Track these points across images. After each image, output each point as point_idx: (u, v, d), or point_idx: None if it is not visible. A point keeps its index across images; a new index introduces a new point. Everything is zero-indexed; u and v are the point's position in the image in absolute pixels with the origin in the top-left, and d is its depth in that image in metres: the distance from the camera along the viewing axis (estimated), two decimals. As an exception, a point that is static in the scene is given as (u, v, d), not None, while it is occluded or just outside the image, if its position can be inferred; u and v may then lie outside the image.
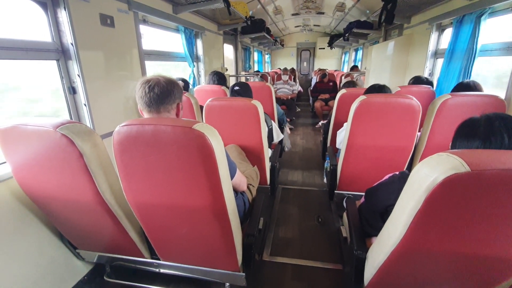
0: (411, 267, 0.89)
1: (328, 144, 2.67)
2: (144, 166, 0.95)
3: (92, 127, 1.71)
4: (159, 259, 1.34)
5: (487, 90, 1.98)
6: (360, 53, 7.11)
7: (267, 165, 2.03)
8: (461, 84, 1.94)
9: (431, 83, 2.43)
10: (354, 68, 6.27)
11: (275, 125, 2.32)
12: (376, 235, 1.01)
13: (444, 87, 2.56)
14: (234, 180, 1.19)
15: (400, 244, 0.80)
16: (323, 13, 6.14)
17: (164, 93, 1.04)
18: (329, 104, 5.11)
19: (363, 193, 1.30)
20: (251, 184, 1.59)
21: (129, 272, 1.56)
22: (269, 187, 2.15)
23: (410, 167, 1.85)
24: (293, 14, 6.40)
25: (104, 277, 1.53)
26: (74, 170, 1.01)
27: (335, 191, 2.08)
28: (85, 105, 1.67)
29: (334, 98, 2.86)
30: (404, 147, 1.71)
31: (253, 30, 5.15)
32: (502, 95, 1.79)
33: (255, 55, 7.80)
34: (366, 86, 2.62)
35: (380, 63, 4.08)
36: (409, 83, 2.60)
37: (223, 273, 1.28)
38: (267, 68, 9.80)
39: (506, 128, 0.77)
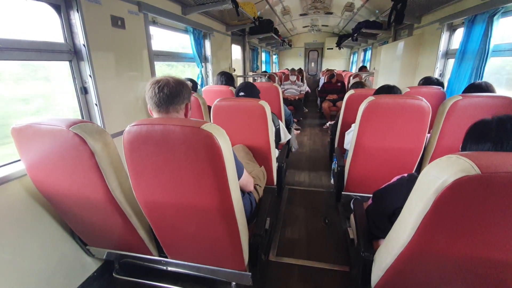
0: (419, 270, 0.88)
1: (336, 145, 2.65)
2: (153, 165, 0.97)
3: (103, 127, 1.75)
4: (166, 257, 1.36)
5: (502, 91, 1.94)
6: (369, 53, 7.04)
7: (274, 165, 2.03)
8: (473, 85, 1.90)
9: (441, 84, 2.39)
10: (362, 68, 6.22)
11: (282, 125, 2.32)
12: (383, 237, 1.00)
13: (455, 88, 2.51)
14: (241, 180, 1.20)
15: (408, 247, 0.79)
16: (331, 13, 6.10)
17: (173, 94, 1.06)
18: (337, 105, 5.07)
19: (371, 195, 1.29)
20: (258, 185, 1.60)
21: (137, 269, 1.58)
22: (276, 187, 2.15)
23: (419, 169, 1.82)
24: (301, 15, 6.38)
25: (113, 274, 1.56)
26: (86, 168, 1.03)
27: (342, 193, 2.07)
28: (96, 105, 1.71)
29: (342, 98, 2.84)
30: (413, 149, 1.69)
31: (261, 31, 5.16)
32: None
33: (263, 55, 7.81)
34: (375, 87, 2.60)
35: (389, 63, 4.04)
36: (419, 84, 2.56)
37: (229, 272, 1.29)
38: (275, 69, 9.79)
39: None
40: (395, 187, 1.12)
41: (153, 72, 2.30)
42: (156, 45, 2.45)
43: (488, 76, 2.30)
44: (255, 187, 1.52)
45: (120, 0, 1.87)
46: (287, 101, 5.26)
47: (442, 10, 2.91)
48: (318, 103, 6.22)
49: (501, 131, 0.78)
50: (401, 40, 3.78)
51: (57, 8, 1.53)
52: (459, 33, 2.77)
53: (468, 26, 2.37)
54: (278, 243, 1.90)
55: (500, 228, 0.68)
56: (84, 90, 1.69)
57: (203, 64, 3.42)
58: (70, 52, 1.60)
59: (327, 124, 5.06)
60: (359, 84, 2.94)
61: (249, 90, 2.08)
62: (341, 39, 8.01)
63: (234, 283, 1.39)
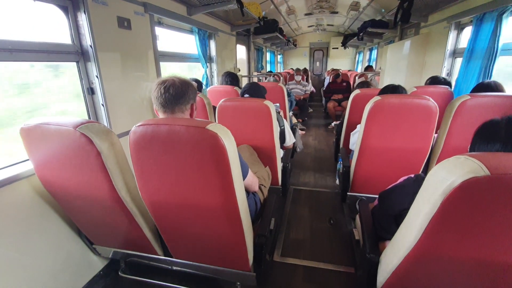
0: (426, 273, 0.87)
1: (341, 145, 2.63)
2: (159, 165, 0.98)
3: (109, 127, 1.76)
4: (172, 257, 1.37)
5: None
6: (374, 52, 6.98)
7: (279, 165, 2.02)
8: (481, 84, 1.86)
9: (449, 84, 2.36)
10: (368, 68, 6.16)
11: (287, 127, 2.31)
12: (389, 238, 0.99)
13: (463, 88, 2.47)
14: (246, 180, 1.20)
15: (415, 249, 0.78)
16: (336, 12, 6.06)
17: (178, 94, 1.06)
18: (342, 105, 5.04)
19: (377, 196, 1.28)
20: (262, 185, 1.60)
21: (142, 268, 1.59)
22: (281, 188, 2.15)
23: (425, 170, 1.80)
24: (306, 14, 6.36)
25: (119, 273, 1.57)
26: (92, 168, 1.04)
27: (348, 193, 2.05)
28: (102, 105, 1.73)
29: (347, 98, 2.82)
30: (419, 149, 1.67)
31: (266, 31, 5.16)
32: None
33: (268, 55, 7.80)
34: (381, 86, 2.57)
35: (395, 63, 3.99)
36: (426, 84, 2.53)
37: (234, 272, 1.29)
38: (280, 69, 9.78)
39: None
40: (402, 187, 1.11)
41: (158, 73, 2.31)
42: (165, 46, 2.46)
43: (497, 75, 2.26)
44: (260, 187, 1.52)
45: (126, 1, 1.89)
46: (292, 101, 5.24)
47: (450, 8, 2.87)
48: (323, 103, 6.20)
49: (511, 131, 0.76)
50: (407, 39, 3.74)
51: (64, 9, 1.55)
52: (467, 31, 2.73)
53: (476, 24, 2.33)
54: (282, 243, 1.89)
55: (510, 231, 0.66)
56: (91, 91, 1.71)
57: (208, 64, 3.43)
58: (77, 53, 1.61)
59: (332, 124, 5.03)
60: (365, 84, 2.92)
61: (254, 92, 2.06)
62: (347, 38, 7.95)
63: (238, 283, 1.39)
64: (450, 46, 2.89)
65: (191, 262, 1.35)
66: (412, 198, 0.80)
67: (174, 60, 2.90)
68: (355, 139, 1.91)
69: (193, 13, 2.81)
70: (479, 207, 0.64)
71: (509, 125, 0.78)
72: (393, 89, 1.87)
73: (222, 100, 1.83)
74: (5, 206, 1.20)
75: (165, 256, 1.40)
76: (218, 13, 3.40)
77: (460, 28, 2.83)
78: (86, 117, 1.75)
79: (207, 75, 3.42)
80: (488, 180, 0.60)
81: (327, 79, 6.91)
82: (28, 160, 1.28)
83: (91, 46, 1.61)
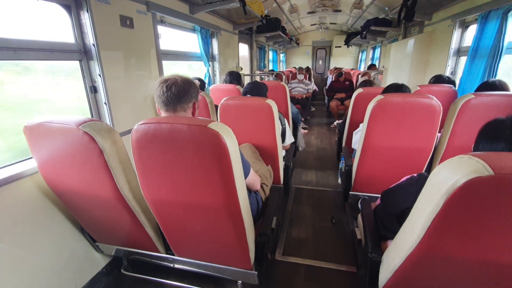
0: (428, 273, 0.87)
1: (344, 144, 2.63)
2: (161, 164, 0.98)
3: (112, 125, 1.77)
4: (174, 255, 1.38)
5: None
6: (378, 51, 6.93)
7: (281, 164, 2.02)
8: (486, 83, 1.85)
9: (453, 82, 2.34)
10: (371, 66, 6.12)
11: (287, 126, 2.30)
12: (391, 238, 0.98)
13: (467, 87, 2.45)
14: (247, 179, 1.20)
15: (417, 248, 0.77)
16: (340, 10, 6.04)
17: (181, 93, 1.07)
18: (345, 104, 5.02)
19: (379, 195, 1.27)
20: (264, 184, 1.60)
21: (145, 266, 1.60)
22: (283, 186, 2.15)
23: (428, 170, 1.79)
24: (309, 12, 6.33)
25: (121, 270, 1.59)
26: (95, 166, 1.05)
27: (350, 192, 2.05)
28: (105, 103, 1.73)
29: (350, 97, 2.82)
30: (423, 148, 1.66)
31: (268, 29, 5.14)
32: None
33: (270, 54, 7.78)
34: (384, 85, 2.55)
35: (399, 61, 3.97)
36: (429, 82, 2.51)
37: (235, 270, 1.30)
38: (282, 67, 9.75)
39: None
40: (404, 187, 1.10)
41: (161, 71, 2.32)
42: (167, 45, 2.46)
43: (504, 74, 2.23)
44: (261, 186, 1.52)
45: (129, 0, 1.89)
46: (294, 100, 5.23)
47: (454, 6, 2.84)
48: (326, 102, 6.18)
49: (515, 131, 0.75)
50: (411, 38, 3.71)
51: (67, 8, 1.56)
52: (472, 30, 2.70)
53: (481, 22, 2.31)
54: (284, 242, 1.89)
55: (514, 231, 0.66)
56: (94, 89, 1.72)
57: (210, 63, 3.43)
58: (80, 52, 1.62)
59: (335, 123, 5.02)
60: (368, 83, 2.90)
61: (255, 92, 2.05)
62: (350, 37, 7.91)
63: (240, 281, 1.39)
64: (454, 44, 2.87)
65: (192, 260, 1.35)
66: (415, 198, 0.79)
67: (176, 59, 2.91)
68: (358, 138, 1.91)
69: (196, 11, 2.81)
70: (483, 207, 0.63)
71: (514, 124, 0.77)
72: (397, 88, 1.85)
73: (224, 98, 1.83)
74: (9, 204, 1.21)
75: (167, 254, 1.41)
76: (220, 11, 3.40)
77: (464, 26, 2.81)
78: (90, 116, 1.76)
79: (209, 73, 3.42)
80: (492, 180, 0.59)
81: (330, 78, 6.89)
82: (31, 158, 1.29)
83: (94, 45, 1.62)
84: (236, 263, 1.28)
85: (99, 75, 1.67)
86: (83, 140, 1.00)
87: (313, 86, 6.33)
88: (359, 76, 5.47)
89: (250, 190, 1.35)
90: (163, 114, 1.11)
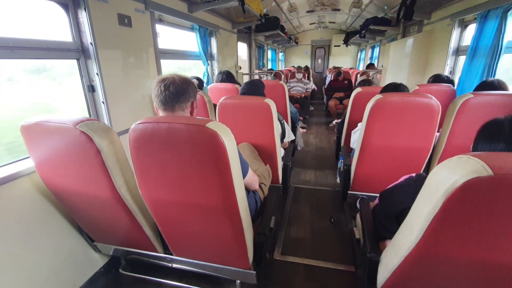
0: (427, 273, 0.87)
1: (342, 144, 2.62)
2: (159, 163, 0.97)
3: (109, 125, 1.76)
4: (172, 254, 1.37)
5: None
6: (376, 50, 6.93)
7: (280, 164, 2.02)
8: (485, 82, 1.84)
9: (452, 82, 2.34)
10: (370, 66, 6.11)
11: (286, 124, 2.29)
12: (390, 238, 0.98)
13: (466, 86, 2.45)
14: (246, 178, 1.20)
15: (416, 248, 0.77)
16: (338, 9, 6.03)
17: (179, 92, 1.06)
18: (343, 103, 5.02)
19: (377, 195, 1.27)
20: (263, 183, 1.59)
21: (143, 266, 1.60)
22: (281, 186, 2.14)
23: (427, 169, 1.79)
24: (308, 11, 6.32)
25: (120, 270, 1.58)
26: (92, 165, 1.04)
27: (349, 192, 2.05)
28: (103, 102, 1.72)
29: (348, 96, 2.81)
30: (421, 148, 1.66)
31: (267, 28, 5.12)
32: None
33: (269, 53, 7.77)
34: (383, 84, 2.55)
35: (398, 60, 3.97)
36: (428, 82, 2.50)
37: (234, 270, 1.29)
38: (281, 66, 9.74)
39: None
40: (403, 187, 1.10)
41: (159, 70, 2.31)
42: (166, 44, 2.45)
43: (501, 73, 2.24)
44: (260, 186, 1.52)
45: (127, -2, 1.88)
46: (293, 99, 5.23)
47: (453, 5, 2.84)
48: (325, 101, 6.18)
49: (514, 130, 0.75)
50: (410, 37, 3.71)
51: (65, 6, 1.54)
52: (471, 29, 2.70)
53: (480, 21, 2.30)
54: (283, 241, 1.89)
55: (513, 231, 0.66)
56: (92, 88, 1.71)
57: (209, 62, 3.42)
58: (77, 51, 1.61)
59: (334, 122, 5.02)
60: (367, 82, 2.90)
61: (253, 92, 2.03)
62: (349, 36, 7.91)
63: (238, 281, 1.39)
64: (453, 43, 2.87)
65: (191, 260, 1.35)
66: (414, 198, 0.79)
67: (175, 58, 2.90)
68: (356, 137, 1.90)
69: (194, 10, 2.79)
70: (482, 207, 0.63)
71: (513, 124, 0.76)
72: (395, 88, 1.85)
73: (223, 98, 1.82)
74: (7, 203, 1.21)
75: (165, 253, 1.40)
76: (219, 10, 3.38)
77: (463, 25, 2.81)
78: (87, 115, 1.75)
79: (208, 73, 3.41)
80: (491, 180, 0.59)
81: (329, 77, 6.89)
82: (29, 157, 1.29)
83: (91, 44, 1.61)
84: (235, 263, 1.28)
85: (97, 74, 1.66)
86: (80, 140, 0.99)
87: (312, 85, 6.33)
88: (358, 75, 5.47)
89: (248, 190, 1.34)
90: (161, 113, 1.10)
